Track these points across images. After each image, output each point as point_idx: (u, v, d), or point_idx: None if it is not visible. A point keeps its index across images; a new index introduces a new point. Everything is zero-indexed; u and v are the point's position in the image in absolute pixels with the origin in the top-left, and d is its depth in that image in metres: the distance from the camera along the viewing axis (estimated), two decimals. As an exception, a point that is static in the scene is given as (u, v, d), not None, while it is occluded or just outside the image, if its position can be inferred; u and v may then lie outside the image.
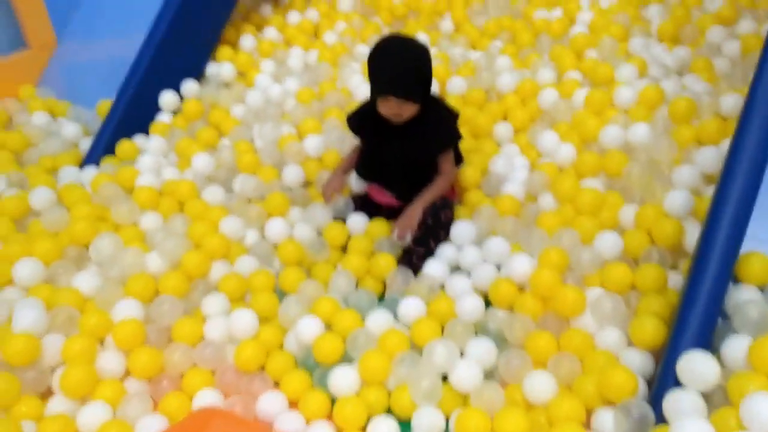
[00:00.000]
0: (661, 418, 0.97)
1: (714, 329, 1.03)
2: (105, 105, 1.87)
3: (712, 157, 1.36)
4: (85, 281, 1.32)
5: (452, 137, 1.43)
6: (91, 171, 1.66)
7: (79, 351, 1.16)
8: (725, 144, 1.38)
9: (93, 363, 1.17)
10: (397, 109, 1.35)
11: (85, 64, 2.08)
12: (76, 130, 1.84)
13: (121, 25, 2.10)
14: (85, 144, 1.82)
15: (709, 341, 1.02)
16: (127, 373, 1.20)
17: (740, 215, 1.09)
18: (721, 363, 0.99)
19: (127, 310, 1.25)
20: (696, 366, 0.97)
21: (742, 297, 1.06)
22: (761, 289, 1.07)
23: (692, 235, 1.26)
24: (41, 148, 1.78)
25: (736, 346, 1.00)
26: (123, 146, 1.72)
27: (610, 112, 1.59)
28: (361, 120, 1.48)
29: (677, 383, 0.99)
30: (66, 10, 2.16)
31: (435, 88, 1.81)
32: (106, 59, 2.06)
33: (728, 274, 1.05)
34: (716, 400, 0.98)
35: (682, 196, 1.31)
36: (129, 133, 1.77)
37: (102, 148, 1.73)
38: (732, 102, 1.49)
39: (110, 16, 2.15)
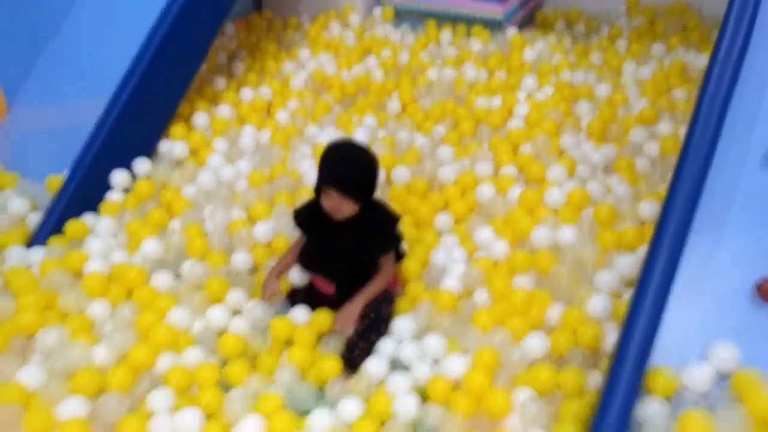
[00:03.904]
0: None
1: (625, 438, 1.14)
2: (54, 180, 1.89)
3: (630, 263, 1.50)
4: (30, 375, 1.33)
5: (391, 242, 1.53)
6: (38, 252, 1.67)
7: (23, 453, 1.18)
8: (642, 250, 1.52)
9: (36, 466, 1.19)
10: (337, 204, 1.44)
11: (35, 135, 2.09)
12: (24, 205, 1.85)
13: (73, 95, 2.12)
14: (33, 218, 1.83)
15: (620, 450, 1.13)
16: (70, 474, 1.22)
17: (649, 329, 1.21)
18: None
19: (73, 407, 1.27)
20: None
21: (650, 409, 1.17)
22: (666, 401, 1.19)
23: (611, 337, 1.38)
24: (-13, 223, 1.79)
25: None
26: (72, 226, 1.74)
27: (540, 211, 1.72)
28: (307, 215, 1.55)
29: (593, 490, 1.09)
30: (17, 79, 2.17)
31: (382, 177, 1.92)
32: (56, 130, 2.08)
33: (637, 387, 1.17)
34: (626, 507, 1.08)
35: (603, 300, 1.44)
36: (79, 211, 1.79)
37: (51, 226, 1.75)
38: (649, 208, 1.64)
39: (62, 85, 2.16)
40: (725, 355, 1.19)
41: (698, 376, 1.19)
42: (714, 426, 1.11)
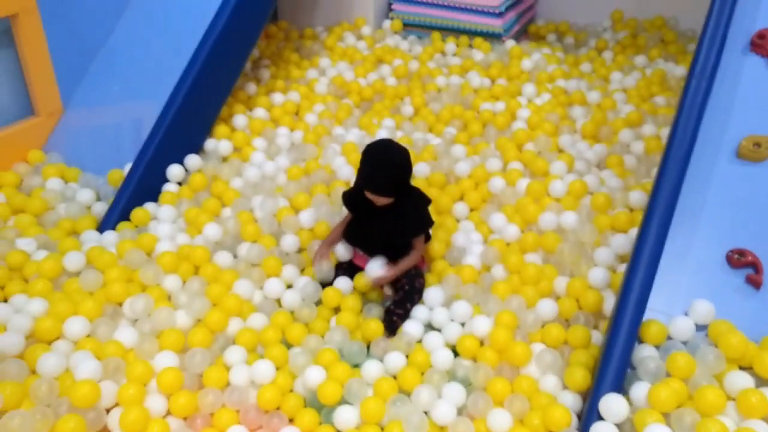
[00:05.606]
0: (588, 443, 1.35)
1: (624, 377, 1.42)
2: (115, 174, 2.12)
3: (623, 242, 1.78)
4: (125, 335, 1.58)
5: (425, 224, 1.76)
6: (111, 236, 1.90)
7: (132, 395, 1.42)
8: (633, 231, 1.82)
9: (142, 405, 1.43)
10: (374, 198, 1.69)
11: (90, 131, 2.31)
12: (90, 195, 2.08)
13: (123, 97, 2.35)
14: (98, 208, 2.06)
15: (621, 386, 1.40)
16: (168, 413, 1.47)
17: (643, 292, 1.49)
18: (629, 402, 1.37)
19: (166, 360, 1.52)
20: (612, 405, 1.34)
21: (644, 353, 1.45)
22: (657, 347, 1.47)
23: (609, 302, 1.67)
24: (59, 212, 2.01)
25: (640, 390, 1.38)
26: (137, 213, 1.98)
27: (546, 200, 2.01)
28: (353, 198, 1.80)
29: (599, 417, 1.36)
30: (73, 79, 2.39)
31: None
32: (108, 129, 2.30)
33: (634, 337, 1.45)
34: (626, 429, 1.35)
35: (601, 272, 1.72)
36: (141, 201, 2.04)
37: (117, 214, 1.99)
38: (637, 197, 1.93)
39: (112, 87, 2.38)
40: (703, 310, 1.48)
41: (682, 327, 1.47)
42: (695, 363, 1.39)
